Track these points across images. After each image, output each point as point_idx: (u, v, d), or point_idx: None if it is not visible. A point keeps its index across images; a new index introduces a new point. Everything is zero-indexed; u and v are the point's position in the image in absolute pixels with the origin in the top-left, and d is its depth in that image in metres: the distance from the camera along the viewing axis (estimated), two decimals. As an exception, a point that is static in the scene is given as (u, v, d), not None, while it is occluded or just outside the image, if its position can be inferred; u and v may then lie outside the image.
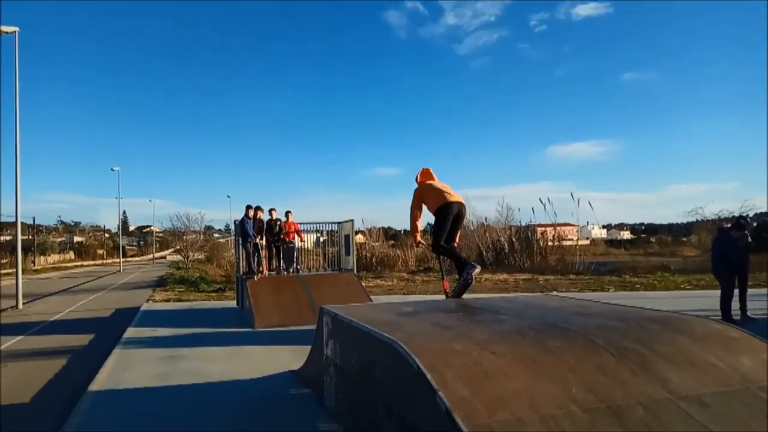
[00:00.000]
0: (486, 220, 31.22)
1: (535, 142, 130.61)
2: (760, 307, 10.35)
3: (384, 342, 3.59)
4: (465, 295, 6.72)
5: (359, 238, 30.94)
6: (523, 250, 27.18)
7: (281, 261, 13.23)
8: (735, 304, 9.49)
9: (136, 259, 77.29)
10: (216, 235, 62.22)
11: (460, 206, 6.47)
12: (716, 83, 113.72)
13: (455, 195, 6.53)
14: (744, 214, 10.66)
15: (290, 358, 7.13)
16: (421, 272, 25.72)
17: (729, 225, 10.38)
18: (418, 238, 7.13)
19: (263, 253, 12.58)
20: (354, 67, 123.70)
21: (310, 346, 6.10)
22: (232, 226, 19.34)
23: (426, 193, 6.64)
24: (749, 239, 9.98)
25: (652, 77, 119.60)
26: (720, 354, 3.55)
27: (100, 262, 68.99)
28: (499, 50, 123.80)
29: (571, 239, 30.36)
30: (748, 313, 9.50)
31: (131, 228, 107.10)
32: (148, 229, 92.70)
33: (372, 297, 12.28)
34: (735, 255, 9.46)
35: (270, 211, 13.20)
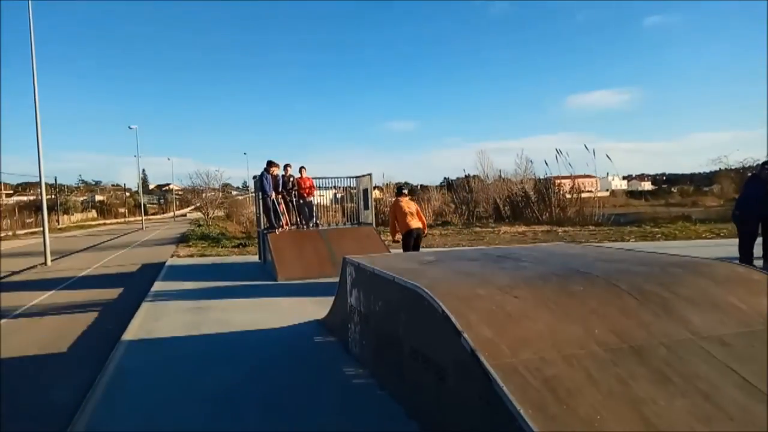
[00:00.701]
0: (501, 173, 31.08)
1: (556, 91, 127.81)
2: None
3: (408, 288, 3.67)
4: (485, 247, 6.83)
5: (377, 193, 30.96)
6: (540, 202, 27.02)
7: (299, 216, 13.34)
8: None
9: (157, 216, 78.51)
10: (234, 192, 62.77)
11: (419, 230, 9.34)
12: (741, 22, 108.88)
13: (416, 221, 9.34)
14: (768, 160, 10.37)
15: (314, 309, 7.31)
16: (438, 226, 25.79)
17: (754, 172, 10.16)
18: (397, 237, 9.50)
19: (280, 208, 12.70)
20: (371, 14, 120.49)
21: (332, 297, 6.25)
22: (251, 183, 19.53)
23: (398, 213, 9.42)
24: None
25: (675, 20, 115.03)
26: (742, 296, 3.58)
27: (123, 220, 70.27)
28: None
29: (590, 191, 30.03)
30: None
31: (151, 186, 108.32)
32: (168, 187, 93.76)
33: (391, 251, 12.41)
34: (759, 201, 9.29)
35: (285, 166, 13.23)
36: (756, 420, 2.48)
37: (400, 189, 10.26)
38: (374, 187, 18.05)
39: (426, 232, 9.75)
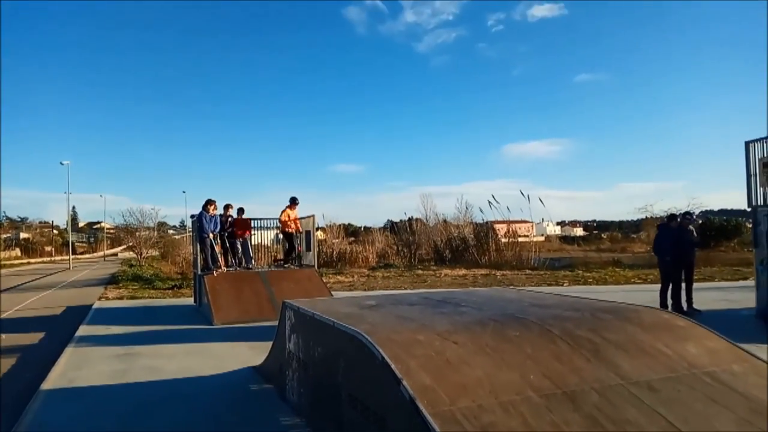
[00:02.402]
0: (441, 216, 31.77)
1: (493, 139, 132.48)
2: (705, 299, 10.88)
3: (348, 333, 3.63)
4: (427, 290, 6.86)
5: (319, 234, 30.79)
6: (480, 245, 27.66)
7: (234, 258, 13.02)
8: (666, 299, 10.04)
9: (87, 256, 74.48)
10: (171, 231, 60.67)
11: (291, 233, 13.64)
12: (665, 84, 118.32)
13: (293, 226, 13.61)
14: (690, 211, 11.22)
15: (251, 354, 7.08)
16: (381, 268, 25.83)
17: (666, 220, 10.95)
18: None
19: (217, 249, 12.38)
20: (315, 64, 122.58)
21: (270, 342, 6.08)
22: (188, 222, 18.98)
23: (285, 216, 13.42)
24: (695, 234, 10.50)
25: (604, 78, 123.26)
26: (667, 341, 3.75)
27: (49, 259, 66.19)
28: (458, 49, 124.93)
29: (526, 236, 31.06)
30: (694, 305, 9.98)
31: (81, 224, 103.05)
32: (99, 225, 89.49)
33: (333, 293, 12.28)
34: (680, 249, 9.94)
35: (225, 206, 12.98)
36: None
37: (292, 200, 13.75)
38: (317, 229, 17.98)
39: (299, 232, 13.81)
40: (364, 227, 48.78)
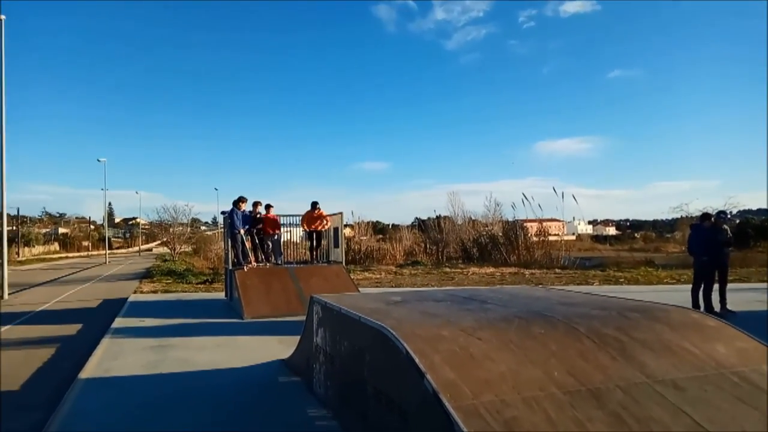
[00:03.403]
0: (469, 214, 31.60)
1: (524, 137, 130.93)
2: (739, 300, 10.61)
3: (374, 328, 3.69)
4: (454, 288, 6.91)
5: (347, 231, 31.00)
6: (508, 244, 27.43)
7: (266, 253, 13.21)
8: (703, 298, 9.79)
9: (122, 251, 76.46)
10: (203, 227, 61.87)
11: (316, 231, 13.62)
12: (700, 82, 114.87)
13: (315, 225, 13.62)
14: (725, 210, 10.97)
15: (279, 348, 7.21)
16: (408, 266, 25.86)
17: (699, 219, 10.70)
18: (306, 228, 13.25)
19: (248, 245, 12.60)
20: (344, 61, 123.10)
21: (299, 336, 6.19)
22: (220, 219, 19.34)
23: (305, 218, 13.53)
24: (729, 234, 10.24)
25: (637, 75, 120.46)
26: (696, 341, 3.70)
27: (86, 253, 68.22)
28: (488, 46, 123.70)
29: (557, 234, 30.67)
30: (728, 306, 9.75)
31: (117, 220, 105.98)
32: (134, 221, 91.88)
33: (360, 289, 12.38)
34: (714, 248, 9.72)
35: (255, 204, 13.18)
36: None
37: (312, 204, 13.74)
38: (345, 226, 18.12)
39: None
40: (392, 225, 48.90)
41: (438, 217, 33.63)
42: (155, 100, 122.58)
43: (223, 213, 13.68)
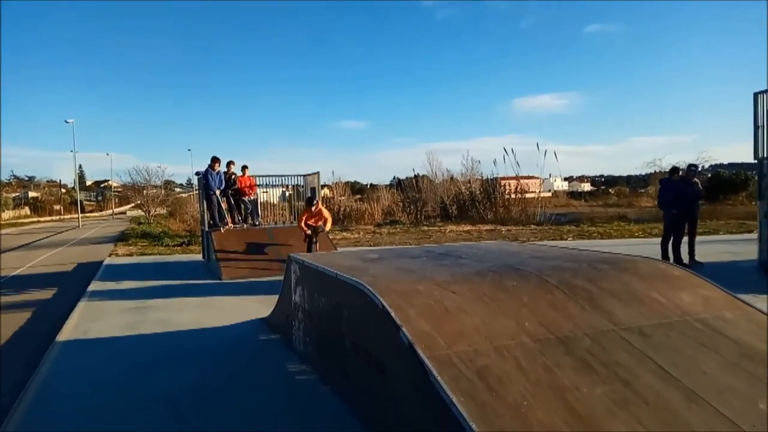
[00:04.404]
0: (449, 172, 31.68)
1: (502, 94, 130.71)
2: (708, 252, 10.96)
3: (350, 284, 3.74)
4: (431, 245, 6.95)
5: (326, 191, 30.89)
6: (485, 201, 27.69)
7: (242, 215, 13.11)
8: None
9: (95, 214, 75.12)
10: (177, 189, 60.95)
11: (312, 228, 10.85)
12: (676, 37, 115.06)
13: (313, 222, 10.88)
14: (696, 163, 11.22)
15: (259, 307, 7.27)
16: (387, 225, 26.00)
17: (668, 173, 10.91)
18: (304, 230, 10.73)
19: (224, 206, 12.48)
20: (319, 16, 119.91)
21: (277, 296, 6.24)
22: (195, 180, 19.11)
23: (303, 217, 10.92)
24: (699, 188, 10.48)
25: (615, 29, 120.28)
26: (662, 290, 3.84)
27: (58, 217, 66.92)
28: (466, 1, 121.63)
29: (533, 192, 31.02)
30: (696, 257, 10.07)
31: (88, 183, 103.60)
32: (107, 183, 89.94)
33: (338, 248, 12.45)
34: (684, 202, 9.95)
35: (228, 164, 12.99)
36: (668, 404, 2.68)
37: (308, 201, 11.59)
38: (323, 186, 18.03)
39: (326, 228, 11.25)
40: (371, 185, 48.77)
41: (416, 176, 33.67)
42: (128, 63, 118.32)
43: (197, 174, 13.47)
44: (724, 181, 35.88)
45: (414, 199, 31.00)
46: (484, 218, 26.40)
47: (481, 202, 27.81)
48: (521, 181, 29.41)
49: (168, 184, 52.97)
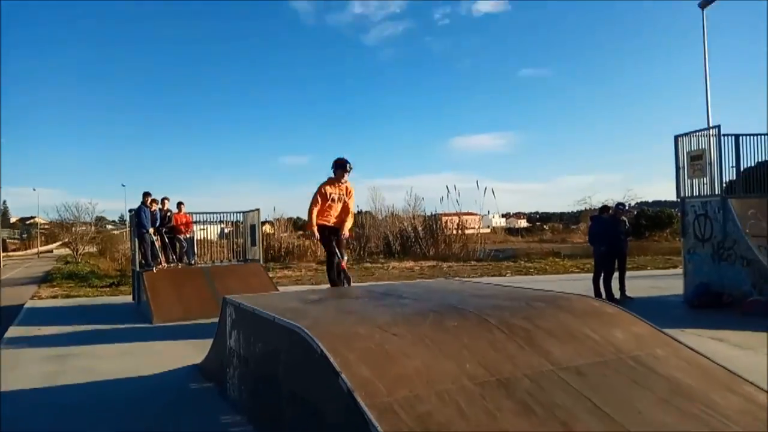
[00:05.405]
0: (392, 208, 31.96)
1: (441, 132, 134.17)
2: (637, 287, 11.44)
3: (287, 328, 3.62)
4: (371, 283, 6.90)
5: (267, 228, 30.36)
6: (428, 238, 28.03)
7: (176, 254, 12.65)
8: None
9: (19, 253, 70.39)
10: (109, 226, 58.31)
11: (331, 230, 7.33)
12: (605, 80, 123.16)
13: (334, 217, 7.31)
14: (623, 202, 11.82)
15: (192, 353, 6.91)
16: (329, 262, 25.72)
17: (598, 211, 11.47)
18: (315, 231, 7.38)
19: (158, 244, 12.00)
20: (261, 55, 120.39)
21: (212, 340, 5.97)
22: (127, 217, 18.30)
23: (321, 199, 7.22)
24: (627, 225, 11.02)
25: (547, 74, 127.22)
26: (596, 327, 3.93)
27: (-25, 257, 62.37)
28: (405, 42, 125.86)
29: (473, 228, 31.71)
30: (627, 293, 10.48)
31: (12, 220, 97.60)
32: (32, 220, 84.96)
33: (280, 287, 12.16)
34: (613, 239, 10.40)
35: (162, 200, 12.58)
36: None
37: (340, 165, 7.25)
38: (263, 222, 17.70)
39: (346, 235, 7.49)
40: (313, 221, 48.23)
41: (359, 212, 33.71)
42: (52, 86, 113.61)
43: (130, 211, 12.94)
44: (650, 218, 37.99)
45: (357, 236, 30.95)
46: (426, 254, 26.65)
47: (423, 239, 28.12)
48: (461, 217, 30.06)
49: (99, 221, 50.57)
